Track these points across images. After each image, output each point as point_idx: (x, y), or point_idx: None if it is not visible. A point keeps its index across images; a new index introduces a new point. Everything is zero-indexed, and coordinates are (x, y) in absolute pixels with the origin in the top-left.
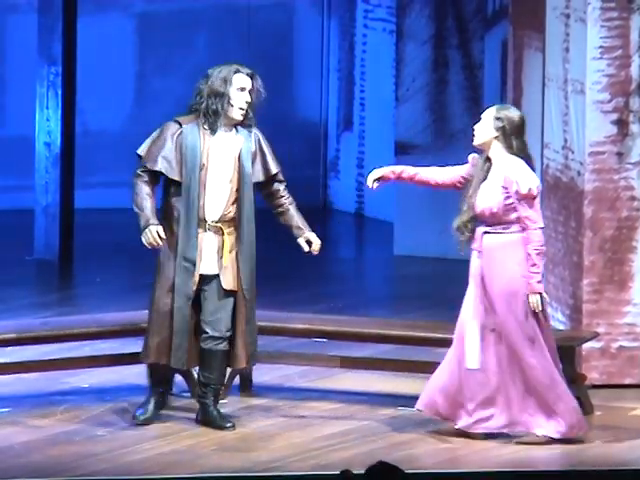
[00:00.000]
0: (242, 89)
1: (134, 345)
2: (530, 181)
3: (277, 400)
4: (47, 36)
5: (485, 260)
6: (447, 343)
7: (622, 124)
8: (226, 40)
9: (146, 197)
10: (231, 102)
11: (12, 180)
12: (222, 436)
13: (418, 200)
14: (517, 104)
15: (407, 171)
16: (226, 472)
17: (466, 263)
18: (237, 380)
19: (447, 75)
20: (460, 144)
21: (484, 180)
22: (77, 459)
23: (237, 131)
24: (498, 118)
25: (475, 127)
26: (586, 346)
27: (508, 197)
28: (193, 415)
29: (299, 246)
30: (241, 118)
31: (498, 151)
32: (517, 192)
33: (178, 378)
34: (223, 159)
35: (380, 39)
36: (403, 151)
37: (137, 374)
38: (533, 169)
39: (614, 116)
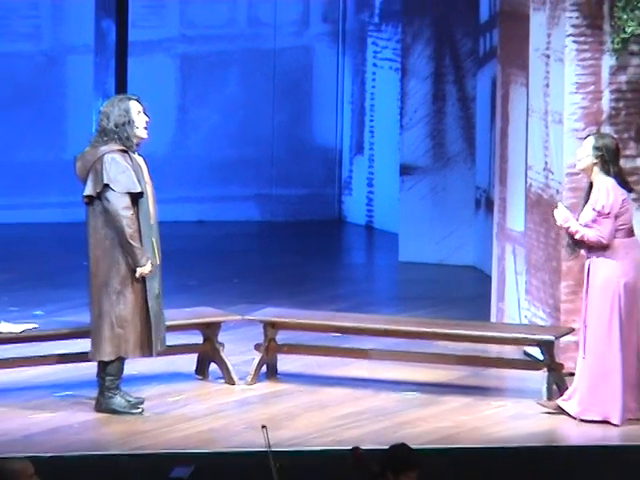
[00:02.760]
0: (139, 112)
1: (180, 338)
2: (607, 200)
3: (299, 385)
4: (102, 74)
5: (590, 264)
6: (445, 337)
7: None
8: (255, 77)
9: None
10: (136, 125)
11: (73, 197)
12: (252, 417)
13: (419, 213)
14: (504, 132)
15: None
16: (256, 447)
17: (462, 269)
18: (264, 369)
19: (445, 107)
20: (456, 166)
21: (587, 202)
22: (127, 436)
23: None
24: (597, 147)
25: (577, 152)
26: (564, 340)
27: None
28: (227, 399)
29: (317, 254)
30: (147, 135)
31: (597, 174)
32: (593, 208)
33: (213, 366)
34: (147, 174)
35: (387, 76)
36: (407, 172)
37: (183, 363)
38: (629, 190)
39: None
